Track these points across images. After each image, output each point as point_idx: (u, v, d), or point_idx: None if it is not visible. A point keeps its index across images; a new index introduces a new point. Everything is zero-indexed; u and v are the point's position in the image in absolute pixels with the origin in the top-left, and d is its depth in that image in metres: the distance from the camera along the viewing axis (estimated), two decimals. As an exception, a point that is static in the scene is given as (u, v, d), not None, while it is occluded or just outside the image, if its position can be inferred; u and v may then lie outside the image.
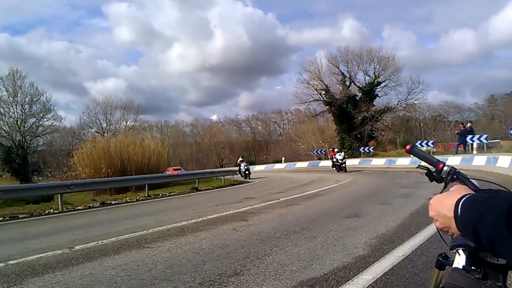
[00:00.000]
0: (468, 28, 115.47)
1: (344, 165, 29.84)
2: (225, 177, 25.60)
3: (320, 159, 47.92)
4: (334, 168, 30.85)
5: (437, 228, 1.18)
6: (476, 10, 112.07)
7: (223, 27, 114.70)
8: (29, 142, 56.40)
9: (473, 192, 1.11)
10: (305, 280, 4.52)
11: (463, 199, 1.04)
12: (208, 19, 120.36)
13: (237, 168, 32.19)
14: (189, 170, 47.12)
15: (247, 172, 31.78)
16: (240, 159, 34.51)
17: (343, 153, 31.41)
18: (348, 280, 4.44)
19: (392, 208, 9.86)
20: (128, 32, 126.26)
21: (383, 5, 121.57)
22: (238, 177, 28.09)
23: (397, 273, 4.63)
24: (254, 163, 51.99)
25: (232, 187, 22.82)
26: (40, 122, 56.66)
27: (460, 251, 1.27)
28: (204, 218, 9.76)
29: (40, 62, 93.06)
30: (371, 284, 4.30)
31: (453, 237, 1.18)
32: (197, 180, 22.22)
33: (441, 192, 1.25)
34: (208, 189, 21.16)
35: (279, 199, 13.25)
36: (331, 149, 35.62)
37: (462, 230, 1.03)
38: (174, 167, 49.62)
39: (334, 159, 30.93)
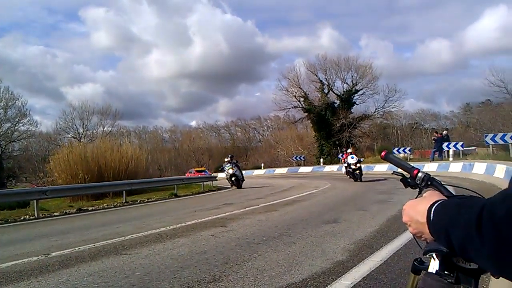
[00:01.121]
0: (443, 37, 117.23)
1: (358, 171, 22.44)
2: (205, 183, 25.48)
3: (299, 165, 48.04)
4: (349, 177, 23.68)
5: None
6: (451, 20, 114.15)
7: (202, 34, 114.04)
8: (4, 147, 55.25)
9: (445, 198, 1.14)
10: (284, 286, 4.53)
11: (436, 204, 1.06)
12: (187, 25, 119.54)
13: (215, 175, 31.23)
14: (168, 176, 46.09)
15: (233, 178, 23.11)
16: (226, 159, 24.53)
17: (355, 156, 23.14)
18: (326, 286, 4.47)
19: (370, 213, 9.95)
20: (106, 37, 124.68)
21: (360, 14, 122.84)
22: (217, 183, 27.43)
23: (375, 278, 4.68)
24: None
25: (211, 193, 22.68)
26: (16, 127, 55.55)
27: (434, 255, 1.30)
28: (183, 224, 9.70)
29: (15, 66, 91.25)
30: (349, 289, 4.34)
31: (427, 242, 1.21)
32: (176, 186, 22.06)
33: (416, 198, 1.27)
34: (187, 195, 21.02)
35: (258, 205, 13.24)
36: (344, 150, 30.06)
37: (435, 235, 1.05)
38: (197, 169, 46.68)
39: (346, 164, 24.05)
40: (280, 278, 4.79)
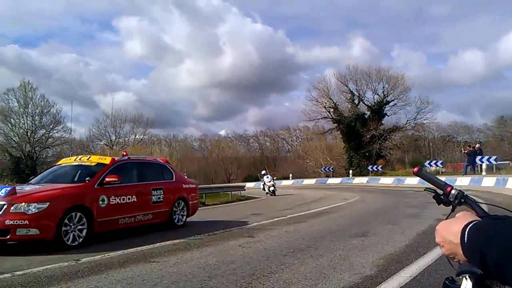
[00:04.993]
0: (476, 48, 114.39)
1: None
2: (232, 192, 25.55)
3: (328, 176, 47.74)
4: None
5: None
6: (485, 30, 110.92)
7: (233, 44, 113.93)
8: (38, 153, 56.63)
9: (479, 219, 1.12)
10: (311, 299, 4.49)
11: (470, 225, 1.05)
12: (218, 35, 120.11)
13: (243, 184, 31.25)
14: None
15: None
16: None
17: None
18: (354, 301, 4.41)
19: (400, 228, 9.79)
20: (139, 46, 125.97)
21: (391, 24, 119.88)
22: (245, 192, 27.47)
23: (404, 294, 4.59)
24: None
25: (239, 202, 22.76)
26: (50, 134, 56.88)
27: (467, 276, 1.27)
28: (210, 233, 9.73)
29: (50, 74, 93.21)
30: (377, 305, 4.27)
31: (460, 263, 1.18)
32: (204, 195, 22.16)
33: (448, 216, 1.25)
34: (215, 204, 21.11)
35: (286, 216, 13.20)
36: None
37: (469, 256, 1.03)
38: None
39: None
40: (307, 291, 4.75)
